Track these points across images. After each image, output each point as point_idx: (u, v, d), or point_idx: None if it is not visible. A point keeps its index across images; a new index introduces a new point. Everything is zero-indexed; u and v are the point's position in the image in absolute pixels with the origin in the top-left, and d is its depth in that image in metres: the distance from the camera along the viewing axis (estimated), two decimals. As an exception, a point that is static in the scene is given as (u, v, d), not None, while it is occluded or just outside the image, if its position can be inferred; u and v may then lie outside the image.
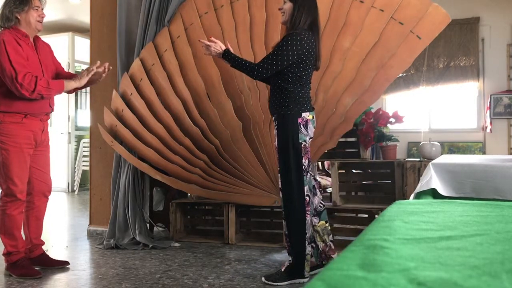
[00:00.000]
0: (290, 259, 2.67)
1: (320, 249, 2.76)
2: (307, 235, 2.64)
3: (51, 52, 3.05)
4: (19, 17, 2.75)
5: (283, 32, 2.79)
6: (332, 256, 2.76)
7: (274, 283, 2.60)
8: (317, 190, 2.77)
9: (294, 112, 2.59)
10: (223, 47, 2.70)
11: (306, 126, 2.61)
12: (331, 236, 2.78)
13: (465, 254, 1.01)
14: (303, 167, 2.62)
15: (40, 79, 2.69)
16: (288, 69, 2.59)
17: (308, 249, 2.66)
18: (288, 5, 2.65)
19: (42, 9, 2.86)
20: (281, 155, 2.63)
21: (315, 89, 3.29)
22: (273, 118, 2.70)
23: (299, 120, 2.59)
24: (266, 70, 2.57)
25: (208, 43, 2.71)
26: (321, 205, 2.78)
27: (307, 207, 2.62)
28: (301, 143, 2.60)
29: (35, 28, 2.82)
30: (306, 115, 2.61)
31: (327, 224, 2.78)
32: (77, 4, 6.32)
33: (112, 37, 3.84)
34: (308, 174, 2.66)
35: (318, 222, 2.76)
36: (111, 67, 3.00)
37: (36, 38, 2.90)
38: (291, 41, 2.54)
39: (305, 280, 2.64)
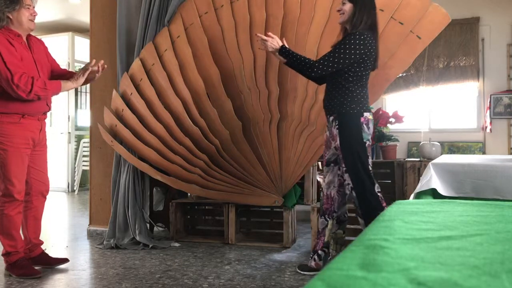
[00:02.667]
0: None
1: (330, 256, 2.78)
2: (325, 239, 2.68)
3: (46, 49, 3.01)
4: (10, 16, 2.71)
5: (339, 32, 2.76)
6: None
7: (303, 272, 2.76)
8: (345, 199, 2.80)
9: (357, 111, 2.57)
10: (280, 43, 2.66)
11: (368, 126, 2.60)
12: (344, 247, 2.78)
13: (465, 254, 1.01)
14: (371, 166, 2.62)
15: (36, 80, 2.67)
16: (349, 68, 2.56)
17: (320, 252, 2.73)
18: (348, 6, 2.62)
19: (34, 7, 2.81)
20: (347, 154, 2.58)
21: (315, 88, 3.29)
22: (331, 118, 2.65)
23: (362, 119, 2.58)
24: (327, 68, 2.53)
25: (265, 37, 2.66)
26: (345, 216, 2.82)
27: (383, 203, 2.60)
28: (365, 142, 2.58)
29: (27, 28, 2.78)
30: (368, 114, 2.61)
31: (344, 235, 2.81)
32: (77, 4, 6.32)
33: (112, 37, 3.84)
34: (348, 181, 2.64)
35: (337, 230, 2.78)
36: (105, 66, 2.97)
37: (29, 37, 2.86)
38: (354, 40, 2.51)
39: None
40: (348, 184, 2.61)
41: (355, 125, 2.57)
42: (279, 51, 2.65)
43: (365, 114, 2.59)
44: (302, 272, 2.80)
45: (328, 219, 2.79)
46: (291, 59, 2.62)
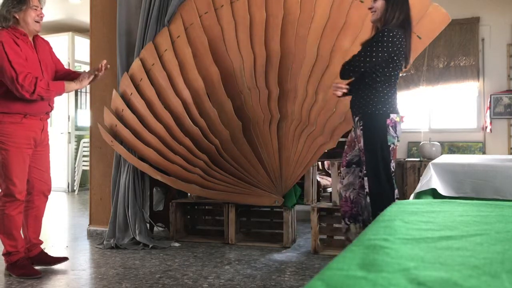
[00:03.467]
0: None
1: None
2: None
3: (51, 49, 3.03)
4: (17, 16, 2.73)
5: (371, 30, 2.68)
6: None
7: None
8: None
9: (383, 112, 2.48)
10: (343, 85, 2.58)
11: (395, 128, 2.51)
12: None
13: (465, 254, 1.01)
14: (393, 171, 2.50)
15: (40, 80, 2.68)
16: (377, 68, 2.49)
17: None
18: (380, 3, 2.53)
19: (41, 8, 2.82)
20: (369, 157, 2.49)
21: (315, 88, 3.30)
22: (356, 118, 2.57)
23: (388, 121, 2.48)
24: (358, 68, 2.46)
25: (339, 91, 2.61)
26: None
27: None
28: (389, 145, 2.48)
29: (33, 29, 2.78)
30: (394, 116, 2.51)
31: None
32: (77, 4, 6.32)
33: (112, 37, 3.84)
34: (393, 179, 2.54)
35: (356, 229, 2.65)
36: (108, 66, 2.98)
37: (35, 37, 2.87)
38: (383, 38, 2.43)
39: None
40: (365, 189, 2.51)
41: (381, 127, 2.47)
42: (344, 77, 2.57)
43: (392, 115, 2.49)
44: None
45: (348, 222, 2.67)
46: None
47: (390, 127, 2.48)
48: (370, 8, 2.59)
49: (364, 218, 2.65)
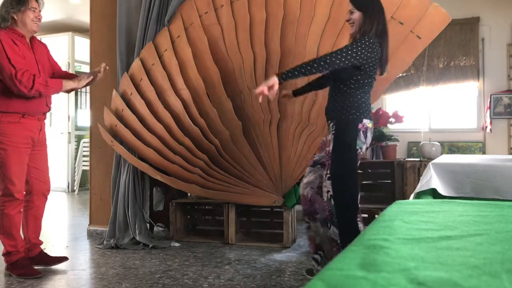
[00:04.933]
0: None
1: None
2: (314, 242, 2.61)
3: (48, 51, 3.06)
4: (15, 17, 2.75)
5: (348, 41, 2.66)
6: None
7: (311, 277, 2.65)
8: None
9: (356, 117, 2.49)
10: (274, 79, 2.47)
11: (365, 134, 2.51)
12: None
13: (465, 254, 1.01)
14: (356, 173, 2.52)
15: (38, 77, 2.71)
16: (351, 75, 2.49)
17: (316, 256, 2.62)
18: (357, 15, 2.53)
19: (40, 10, 2.86)
20: (336, 160, 2.49)
21: (315, 89, 3.29)
22: (331, 124, 2.57)
23: (360, 126, 2.49)
24: (330, 63, 2.39)
25: (260, 92, 2.48)
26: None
27: (358, 215, 2.51)
28: (357, 149, 2.49)
29: (31, 29, 2.81)
30: (367, 122, 2.51)
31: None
32: (77, 4, 6.32)
33: (112, 37, 3.84)
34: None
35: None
36: (107, 67, 3.00)
37: (33, 38, 2.90)
38: (361, 42, 2.42)
39: None
40: (328, 191, 2.49)
41: (351, 131, 2.48)
42: (280, 80, 2.47)
43: (364, 121, 2.50)
44: (309, 277, 2.70)
45: (308, 220, 2.68)
46: (294, 73, 2.47)
47: (361, 132, 2.49)
48: (347, 20, 2.60)
49: (320, 217, 2.63)
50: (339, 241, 2.48)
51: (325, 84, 2.76)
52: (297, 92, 2.87)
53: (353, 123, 2.48)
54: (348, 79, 2.50)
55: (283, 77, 2.43)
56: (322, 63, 2.40)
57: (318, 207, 2.63)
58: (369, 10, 2.50)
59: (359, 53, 2.40)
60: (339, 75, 2.52)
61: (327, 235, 2.59)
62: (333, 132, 2.52)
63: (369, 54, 2.43)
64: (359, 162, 2.55)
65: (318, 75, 2.67)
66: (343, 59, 2.40)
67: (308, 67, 2.42)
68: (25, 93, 2.67)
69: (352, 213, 2.46)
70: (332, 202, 2.47)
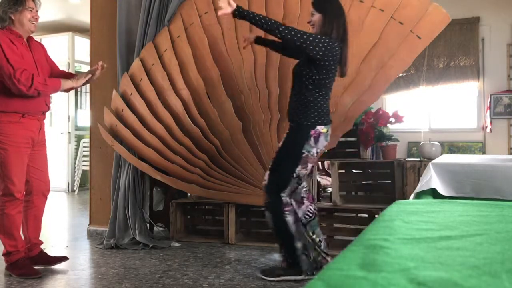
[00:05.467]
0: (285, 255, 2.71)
1: (312, 257, 2.69)
2: (295, 237, 2.66)
3: (45, 51, 3.07)
4: (12, 17, 2.77)
5: None
6: (324, 264, 2.69)
7: (267, 278, 2.67)
8: (306, 200, 2.71)
9: (310, 124, 2.57)
10: (232, 4, 2.55)
11: (317, 139, 2.58)
12: (323, 244, 2.72)
13: (465, 254, 1.01)
14: (295, 175, 2.61)
15: (37, 76, 2.72)
16: (309, 76, 2.54)
17: (299, 245, 2.67)
18: (317, 17, 2.59)
19: (37, 11, 2.88)
20: (279, 156, 2.65)
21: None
22: (290, 124, 2.68)
23: (312, 131, 2.57)
24: (285, 33, 2.44)
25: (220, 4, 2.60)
26: (307, 216, 2.70)
27: (286, 208, 2.64)
28: (303, 153, 2.57)
29: (28, 29, 2.83)
30: (321, 128, 2.58)
31: (314, 236, 2.70)
32: (77, 4, 6.32)
33: (112, 37, 3.84)
34: (303, 184, 2.67)
35: (310, 232, 2.70)
36: (105, 65, 3.01)
37: (30, 39, 2.91)
38: (321, 39, 2.48)
39: (301, 277, 2.66)
40: (265, 180, 2.68)
41: (303, 135, 2.58)
42: (235, 14, 2.56)
43: (318, 127, 2.57)
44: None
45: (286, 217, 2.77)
46: (250, 16, 2.53)
47: (312, 138, 2.58)
48: (309, 22, 2.66)
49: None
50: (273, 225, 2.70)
51: (279, 51, 2.90)
52: (258, 41, 2.96)
53: (306, 129, 2.58)
54: (307, 79, 2.56)
55: (240, 10, 2.55)
56: (279, 27, 2.48)
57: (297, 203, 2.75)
58: (329, 13, 2.58)
59: (314, 43, 2.46)
60: (299, 73, 2.60)
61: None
62: (287, 132, 2.67)
63: (326, 52, 2.49)
64: (311, 164, 2.66)
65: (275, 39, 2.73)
66: (298, 37, 2.45)
67: (264, 22, 2.51)
68: (24, 92, 2.68)
69: (278, 205, 2.63)
70: (264, 190, 2.69)
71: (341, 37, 2.59)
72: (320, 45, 2.47)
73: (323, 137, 2.60)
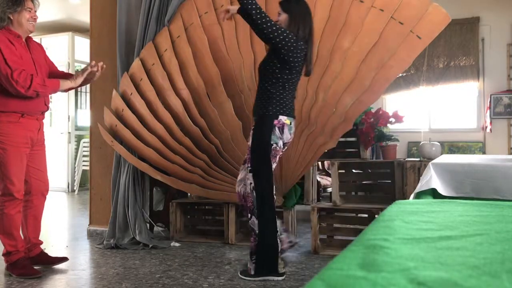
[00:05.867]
0: (254, 258, 2.67)
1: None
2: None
3: (44, 52, 3.07)
4: (11, 17, 2.77)
5: None
6: (283, 248, 2.72)
7: (247, 278, 2.66)
8: None
9: (272, 113, 2.63)
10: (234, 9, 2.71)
11: (281, 130, 2.64)
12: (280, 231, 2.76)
13: (465, 254, 1.01)
14: (272, 169, 2.67)
15: (35, 77, 2.72)
16: (274, 71, 2.62)
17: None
18: (284, 16, 2.67)
19: (35, 11, 2.88)
20: (253, 155, 2.66)
21: (315, 88, 3.29)
22: (254, 119, 2.73)
23: (275, 121, 2.63)
24: (263, 19, 2.53)
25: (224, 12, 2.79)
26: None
27: (274, 206, 2.68)
28: (272, 144, 2.63)
29: (27, 29, 2.83)
30: (284, 118, 2.64)
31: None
32: (77, 4, 6.32)
33: (112, 37, 3.84)
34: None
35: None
36: (104, 66, 3.01)
37: (28, 39, 2.92)
38: (289, 35, 2.57)
39: (281, 278, 2.66)
40: (251, 183, 2.65)
41: (267, 126, 2.62)
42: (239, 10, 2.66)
43: (281, 117, 2.63)
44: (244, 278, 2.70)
45: (248, 215, 2.76)
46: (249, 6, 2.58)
47: (276, 128, 2.63)
48: (276, 22, 2.71)
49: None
50: (257, 231, 2.65)
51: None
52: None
53: (269, 120, 2.63)
54: (271, 73, 2.63)
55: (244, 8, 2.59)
56: (257, 8, 2.54)
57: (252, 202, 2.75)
58: (295, 13, 2.66)
59: (281, 36, 2.53)
60: (264, 70, 2.68)
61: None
62: (252, 128, 2.69)
63: (292, 49, 2.57)
64: (278, 157, 2.70)
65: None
66: (268, 25, 2.52)
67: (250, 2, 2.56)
68: (22, 93, 2.67)
69: (271, 202, 2.64)
70: (255, 193, 2.64)
71: (307, 37, 2.67)
72: (287, 39, 2.56)
73: (287, 129, 2.67)
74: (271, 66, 2.64)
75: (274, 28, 2.55)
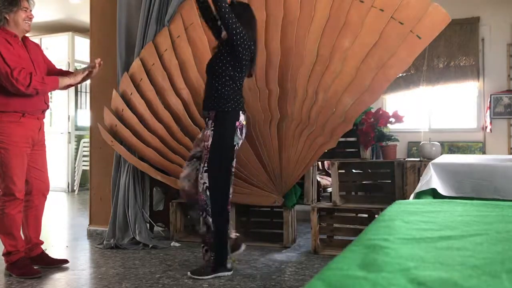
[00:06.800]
0: (213, 254, 2.70)
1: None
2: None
3: (41, 50, 3.08)
4: (7, 17, 2.78)
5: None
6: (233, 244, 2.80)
7: (200, 277, 2.67)
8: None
9: (231, 109, 2.67)
10: None
11: (241, 131, 2.72)
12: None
13: (465, 254, 1.01)
14: (232, 169, 2.72)
15: (34, 75, 2.72)
16: (225, 68, 2.68)
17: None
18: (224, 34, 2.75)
19: (31, 10, 2.89)
20: (213, 155, 2.66)
21: (315, 88, 3.29)
22: (208, 115, 2.72)
23: (237, 123, 2.68)
24: (227, 14, 2.57)
25: None
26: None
27: (229, 206, 2.74)
28: (234, 145, 2.69)
29: (23, 29, 2.84)
30: (242, 118, 2.71)
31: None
32: (77, 4, 6.32)
33: (112, 37, 3.84)
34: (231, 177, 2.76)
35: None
36: (102, 62, 3.02)
37: (25, 38, 2.92)
38: (245, 34, 2.64)
39: (230, 273, 2.72)
40: (205, 183, 2.66)
41: (229, 128, 2.67)
42: None
43: (240, 118, 2.71)
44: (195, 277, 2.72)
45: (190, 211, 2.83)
46: None
47: (238, 129, 2.69)
48: None
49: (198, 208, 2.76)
50: (213, 229, 2.68)
51: (207, 21, 2.91)
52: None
53: (229, 119, 2.67)
54: (223, 70, 2.69)
55: None
56: (223, 5, 2.57)
57: (195, 198, 2.78)
58: (244, 18, 2.72)
59: (238, 30, 2.60)
60: (212, 69, 2.73)
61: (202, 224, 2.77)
62: (212, 128, 2.69)
63: (245, 46, 2.65)
64: (235, 157, 2.75)
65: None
66: (228, 16, 2.57)
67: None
68: (22, 91, 2.68)
69: (224, 203, 2.69)
70: (208, 193, 2.66)
71: (254, 39, 2.78)
72: (245, 37, 2.64)
73: (244, 130, 2.76)
74: (224, 64, 2.69)
75: (236, 25, 2.61)
